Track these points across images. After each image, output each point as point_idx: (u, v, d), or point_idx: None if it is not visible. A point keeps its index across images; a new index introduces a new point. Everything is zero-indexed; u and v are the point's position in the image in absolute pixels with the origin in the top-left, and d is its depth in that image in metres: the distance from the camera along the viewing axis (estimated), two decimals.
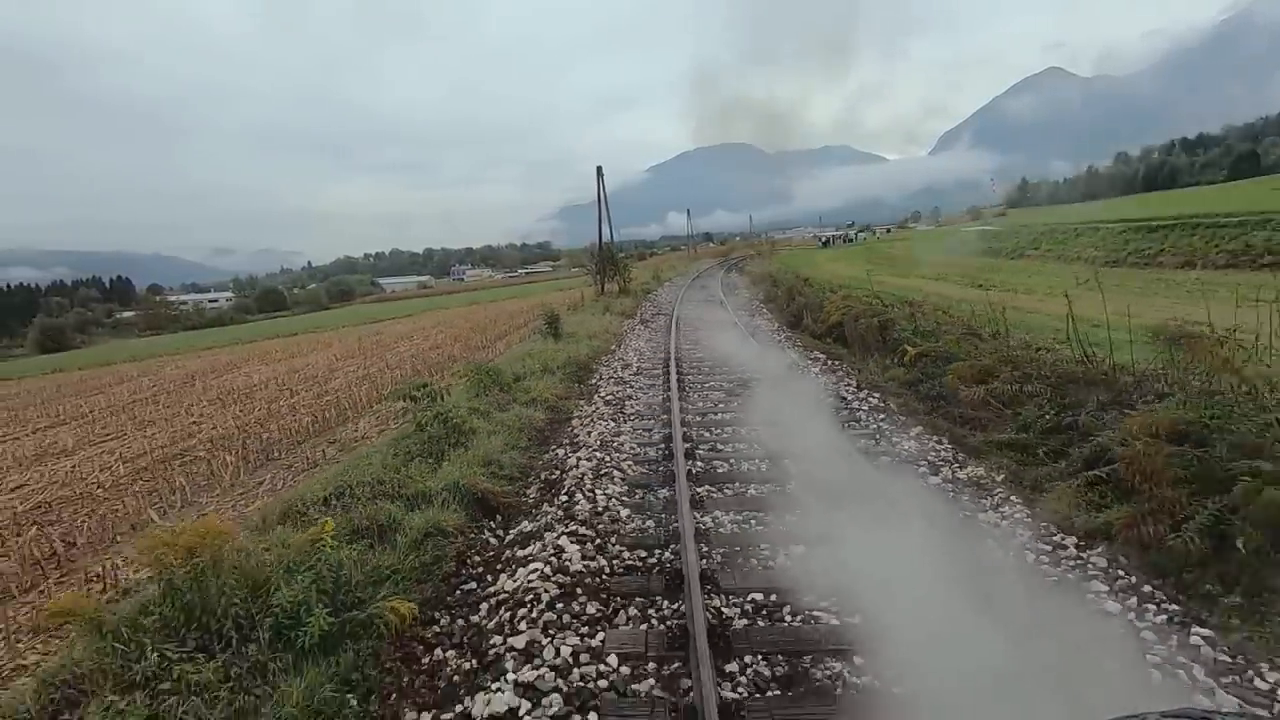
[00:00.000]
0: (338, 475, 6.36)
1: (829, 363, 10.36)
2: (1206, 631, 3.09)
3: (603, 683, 3.00)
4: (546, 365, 11.14)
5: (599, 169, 25.75)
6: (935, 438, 6.21)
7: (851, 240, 73.73)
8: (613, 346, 14.05)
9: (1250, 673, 2.81)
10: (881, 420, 6.94)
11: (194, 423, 14.07)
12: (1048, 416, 5.92)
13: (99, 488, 9.68)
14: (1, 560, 6.94)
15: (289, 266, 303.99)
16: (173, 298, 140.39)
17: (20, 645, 5.11)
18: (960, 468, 5.41)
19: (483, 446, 6.81)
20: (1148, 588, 3.51)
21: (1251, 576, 3.46)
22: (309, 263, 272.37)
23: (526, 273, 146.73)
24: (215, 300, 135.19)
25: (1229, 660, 2.90)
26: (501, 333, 22.73)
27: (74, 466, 11.37)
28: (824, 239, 78.78)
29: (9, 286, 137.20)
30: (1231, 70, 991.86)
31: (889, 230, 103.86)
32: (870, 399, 7.83)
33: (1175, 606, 3.32)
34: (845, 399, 7.89)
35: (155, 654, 3.40)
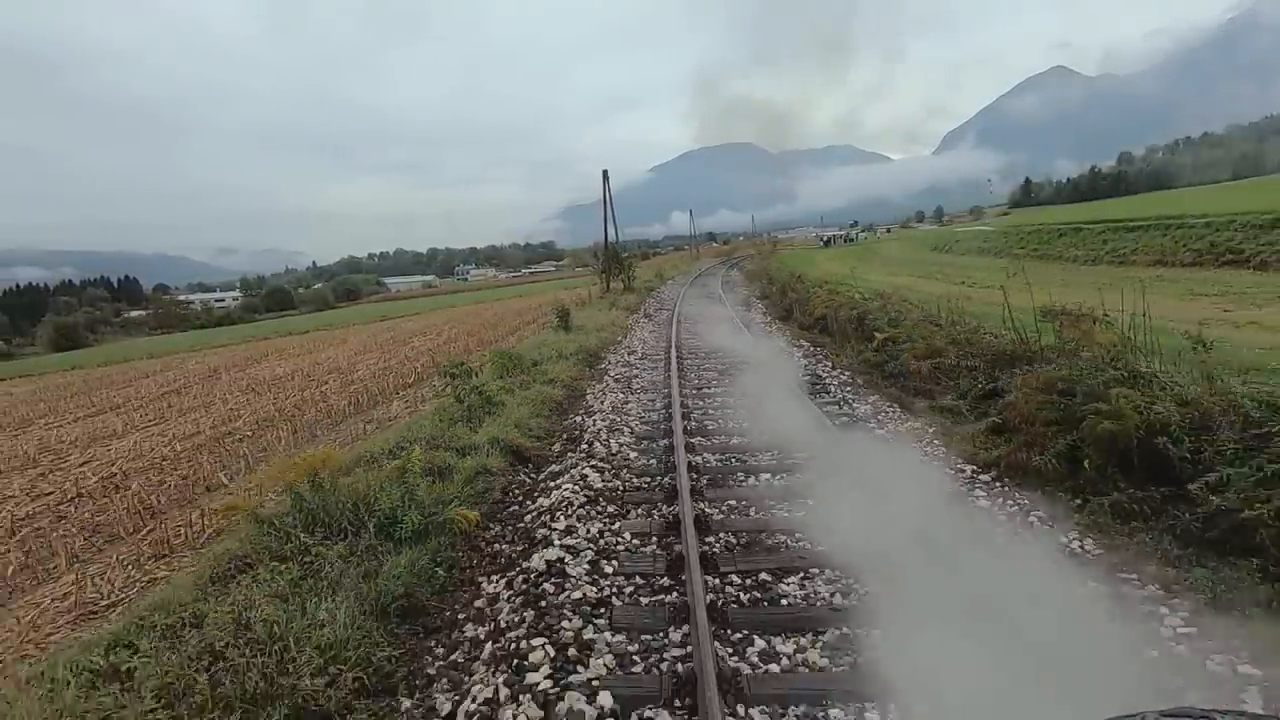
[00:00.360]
0: (398, 434, 7.72)
1: (811, 349, 11.70)
2: (1041, 514, 4.43)
3: (620, 546, 4.35)
4: (561, 352, 12.47)
5: (605, 173, 27.13)
6: (888, 403, 7.55)
7: (852, 240, 75.10)
8: (619, 337, 15.39)
9: (1058, 533, 4.15)
10: (847, 391, 8.28)
11: (232, 409, 15.27)
12: (980, 385, 7.23)
13: (163, 460, 10.93)
14: (105, 514, 8.26)
15: (293, 266, 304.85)
16: (180, 297, 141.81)
17: (147, 566, 6.44)
18: (902, 423, 6.74)
19: (512, 414, 8.14)
20: (1015, 494, 4.84)
21: (1091, 487, 4.78)
22: (314, 262, 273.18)
23: (530, 273, 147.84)
24: (222, 300, 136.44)
25: (1048, 529, 4.24)
26: (513, 328, 23.94)
27: (132, 445, 12.64)
28: (825, 239, 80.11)
29: (18, 286, 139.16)
30: (1237, 69, 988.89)
31: (888, 230, 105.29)
32: (841, 376, 9.18)
33: (1026, 502, 4.65)
34: (820, 376, 9.23)
35: (298, 539, 4.75)
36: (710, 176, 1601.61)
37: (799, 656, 3.13)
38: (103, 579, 6.24)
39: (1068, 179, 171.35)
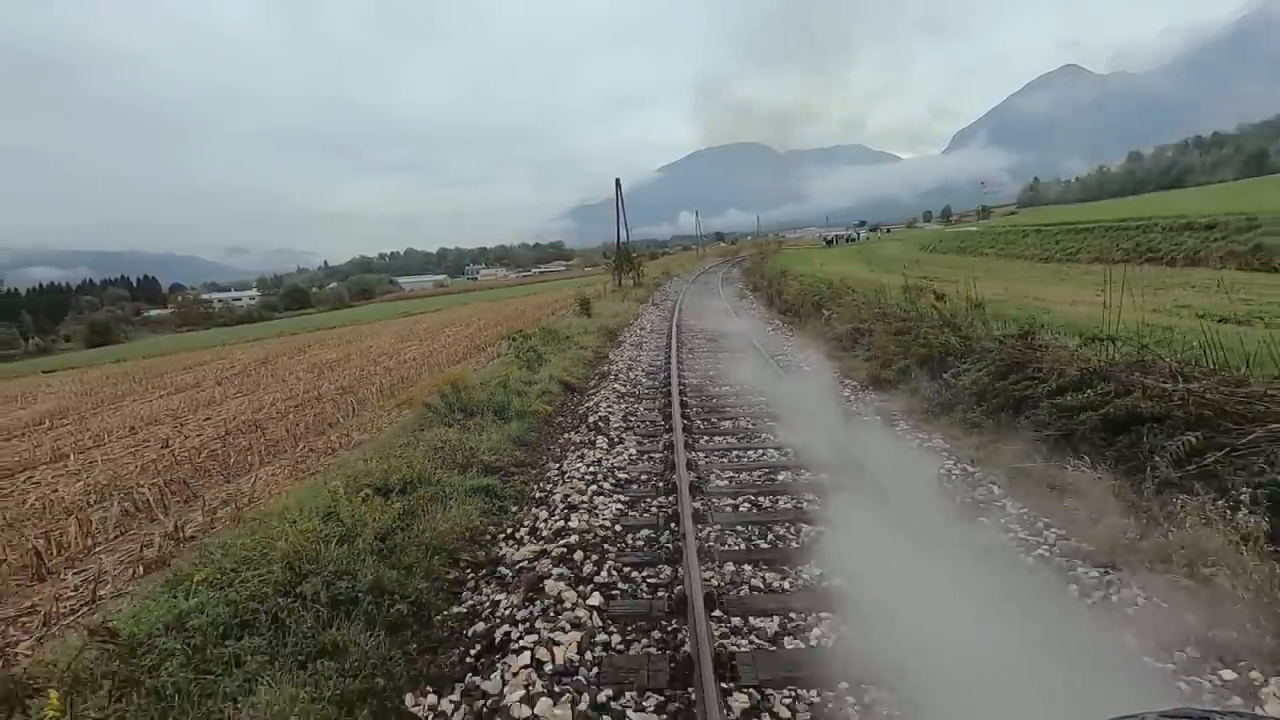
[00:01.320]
0: (479, 374, 11.23)
1: (780, 326, 15.24)
2: (873, 398, 7.91)
3: (637, 413, 7.92)
4: (586, 329, 15.97)
5: (617, 181, 30.77)
6: (819, 355, 11.00)
7: (853, 240, 78.59)
8: (631, 320, 18.97)
9: (876, 403, 7.62)
10: (794, 350, 11.77)
11: (309, 383, 18.22)
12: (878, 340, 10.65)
13: (276, 414, 14.05)
14: (260, 442, 11.59)
15: (304, 266, 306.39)
16: (204, 296, 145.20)
17: (321, 459, 9.84)
18: (822, 364, 10.20)
19: (559, 364, 11.63)
20: (867, 393, 8.31)
21: (912, 384, 8.22)
22: (325, 262, 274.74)
23: (540, 272, 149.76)
24: (238, 298, 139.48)
25: (872, 403, 7.70)
26: (535, 319, 26.99)
27: (240, 406, 15.84)
28: (828, 239, 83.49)
29: (41, 286, 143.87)
30: (1250, 67, 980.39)
31: (888, 230, 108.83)
32: (794, 341, 12.68)
33: (871, 395, 8.13)
34: (780, 343, 12.71)
35: (452, 416, 8.26)
36: (718, 176, 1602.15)
37: (725, 441, 6.63)
38: (294, 466, 9.67)
39: (1075, 179, 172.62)
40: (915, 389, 7.77)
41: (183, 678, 2.97)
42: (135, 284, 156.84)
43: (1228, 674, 2.74)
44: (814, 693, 2.87)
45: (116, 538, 7.10)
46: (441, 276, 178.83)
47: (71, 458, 11.71)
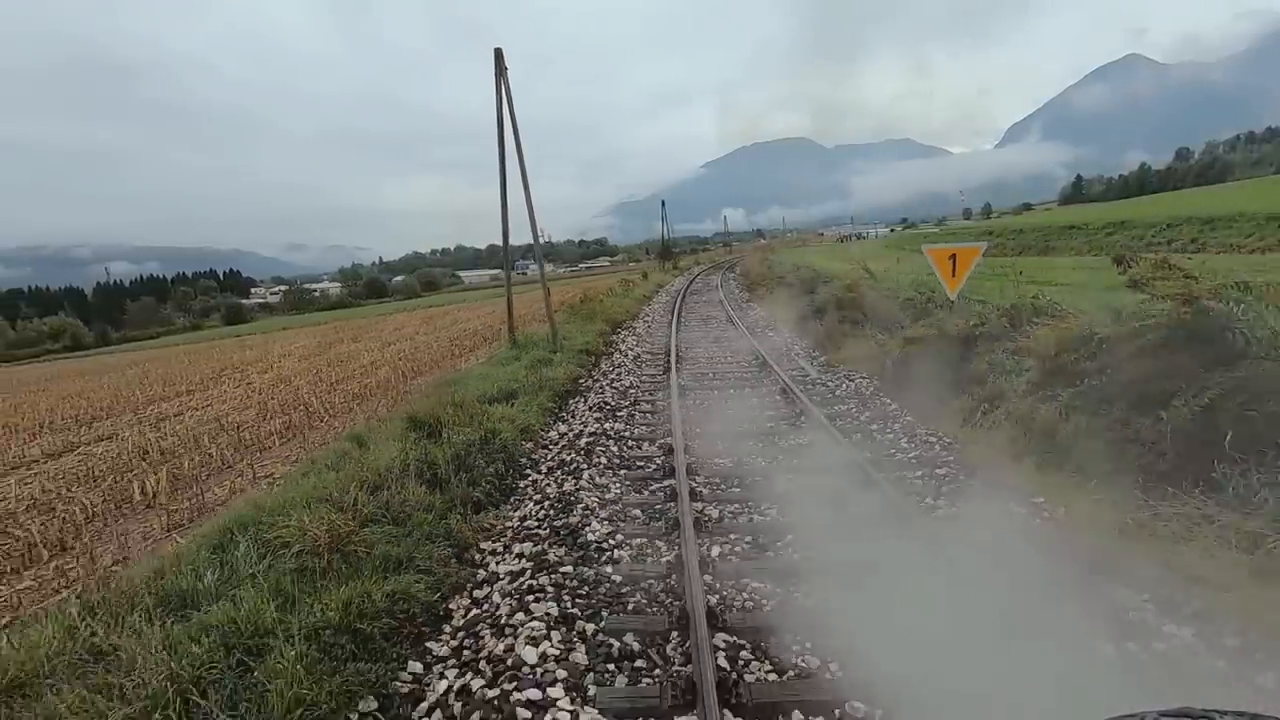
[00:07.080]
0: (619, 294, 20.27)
1: (747, 289, 23.88)
2: (747, 296, 16.52)
3: (670, 296, 16.97)
4: (647, 285, 25.67)
5: (663, 202, 40.58)
6: (766, 308, 19.50)
7: (862, 237, 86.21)
8: (669, 283, 28.87)
9: (745, 294, 16.31)
10: (756, 311, 20.28)
11: (463, 329, 27.04)
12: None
13: (459, 339, 23.09)
14: (455, 348, 20.77)
15: (359, 261, 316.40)
16: (307, 285, 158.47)
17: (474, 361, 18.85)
18: (765, 313, 18.71)
19: (640, 292, 21.14)
20: (745, 293, 17.04)
21: (770, 295, 16.78)
22: (380, 258, 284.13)
23: (587, 268, 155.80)
24: (328, 289, 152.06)
25: (745, 295, 16.43)
26: (607, 290, 36.08)
27: (459, 329, 24.63)
28: (843, 236, 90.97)
29: (141, 278, 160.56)
30: None
31: (890, 230, 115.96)
32: (761, 306, 21.19)
33: (748, 293, 16.83)
34: (752, 310, 21.25)
35: (612, 295, 17.23)
36: (763, 172, 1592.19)
37: (697, 302, 15.42)
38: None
39: (1119, 175, 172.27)
40: (764, 296, 16.54)
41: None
42: (221, 277, 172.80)
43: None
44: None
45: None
46: (495, 271, 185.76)
47: (395, 344, 21.22)
